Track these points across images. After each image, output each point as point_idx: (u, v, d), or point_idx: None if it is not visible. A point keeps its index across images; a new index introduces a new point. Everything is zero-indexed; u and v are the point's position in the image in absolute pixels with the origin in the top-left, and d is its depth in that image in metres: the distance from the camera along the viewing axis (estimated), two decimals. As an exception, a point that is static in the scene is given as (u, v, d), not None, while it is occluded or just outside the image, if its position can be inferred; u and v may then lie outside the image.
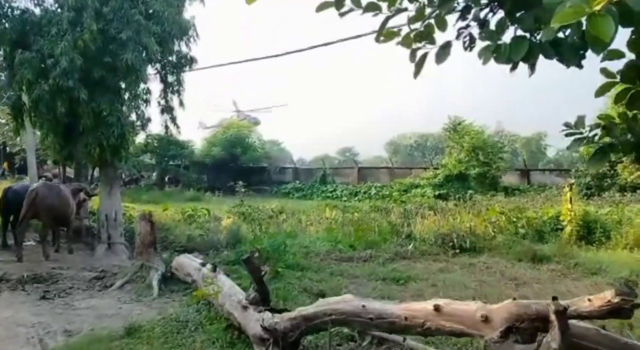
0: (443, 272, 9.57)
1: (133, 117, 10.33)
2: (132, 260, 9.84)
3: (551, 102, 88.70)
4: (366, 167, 41.66)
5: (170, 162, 41.94)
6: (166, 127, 11.48)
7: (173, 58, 11.26)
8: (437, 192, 25.43)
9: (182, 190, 37.00)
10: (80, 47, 9.21)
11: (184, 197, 32.86)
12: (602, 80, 2.62)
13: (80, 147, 10.08)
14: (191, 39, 11.08)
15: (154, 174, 42.86)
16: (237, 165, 41.52)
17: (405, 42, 2.88)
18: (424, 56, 2.90)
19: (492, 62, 2.50)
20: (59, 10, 10.02)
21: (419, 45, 2.88)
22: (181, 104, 11.49)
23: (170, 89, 11.40)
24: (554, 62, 2.47)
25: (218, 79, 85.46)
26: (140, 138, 11.03)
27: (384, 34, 2.85)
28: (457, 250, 11.28)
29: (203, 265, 6.83)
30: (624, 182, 24.67)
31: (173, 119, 11.51)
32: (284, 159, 52.29)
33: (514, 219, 13.14)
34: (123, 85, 10.01)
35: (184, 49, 11.18)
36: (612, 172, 25.85)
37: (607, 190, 25.28)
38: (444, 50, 2.81)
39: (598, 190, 25.63)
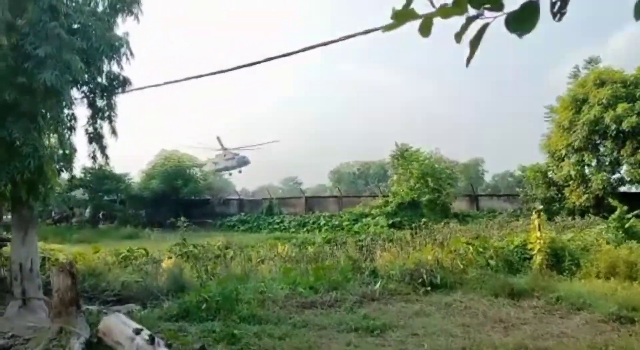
0: (420, 315, 8.47)
1: (54, 145, 8.69)
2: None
3: (486, 128, 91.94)
4: (313, 196, 40.66)
5: (105, 197, 39.30)
6: (93, 157, 9.90)
7: (102, 79, 9.80)
8: (390, 221, 24.59)
9: (117, 228, 34.57)
10: (-13, 65, 7.67)
11: (120, 235, 30.57)
12: None
13: (-14, 183, 8.36)
14: (124, 58, 9.67)
15: (87, 211, 39.97)
16: (178, 199, 39.56)
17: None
18: (484, 27, 1.86)
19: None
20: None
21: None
22: (113, 131, 9.97)
23: (100, 114, 9.89)
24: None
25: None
26: (76, 171, 9.30)
27: None
28: (428, 288, 10.26)
29: (137, 333, 5.35)
30: (571, 205, 24.82)
31: (102, 149, 9.95)
32: (227, 190, 50.57)
33: (481, 250, 12.34)
34: (43, 111, 8.42)
35: (115, 68, 9.76)
36: (559, 196, 26.05)
37: (557, 215, 25.39)
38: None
39: (547, 214, 25.72)
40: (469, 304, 9.23)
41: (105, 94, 9.91)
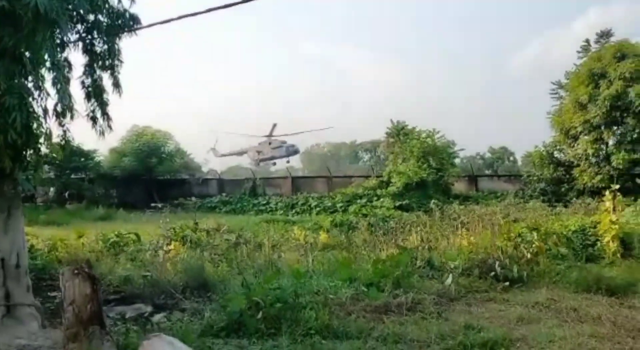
0: (526, 321, 6.66)
1: (45, 98, 6.33)
2: (46, 333, 5.99)
3: (453, 110, 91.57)
4: (300, 176, 38.60)
5: (72, 175, 36.16)
6: (93, 118, 7.57)
7: (103, 16, 7.48)
8: (397, 203, 22.74)
9: (87, 208, 31.56)
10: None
11: (92, 216, 27.85)
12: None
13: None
14: (130, -11, 7.38)
15: (52, 190, 36.76)
16: (152, 178, 36.85)
17: None
18: None
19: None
20: None
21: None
22: (116, 84, 7.69)
23: (99, 62, 7.58)
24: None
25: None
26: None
27: None
28: (506, 283, 8.48)
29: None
30: (582, 186, 23.58)
31: (103, 106, 7.63)
32: (203, 168, 47.93)
33: (543, 236, 10.62)
34: (31, 48, 6.06)
35: (115, 2, 7.46)
36: (567, 176, 24.80)
37: (565, 196, 24.18)
38: None
39: (554, 195, 24.49)
40: (568, 303, 7.48)
41: (105, 36, 7.58)
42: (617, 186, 11.55)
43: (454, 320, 6.56)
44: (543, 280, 8.88)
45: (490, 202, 22.50)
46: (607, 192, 11.02)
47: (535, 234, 10.36)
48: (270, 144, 44.75)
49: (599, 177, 22.48)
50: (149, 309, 8.02)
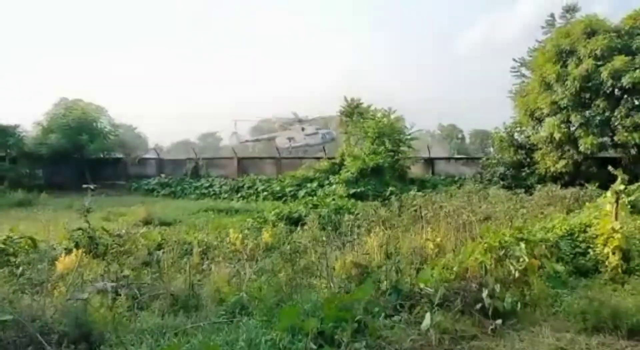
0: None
1: None
2: None
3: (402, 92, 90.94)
4: (247, 157, 35.96)
5: (-10, 154, 32.29)
6: None
7: None
8: (351, 191, 20.61)
9: (7, 191, 27.89)
10: None
11: (9, 202, 24.52)
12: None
13: None
14: None
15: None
16: (84, 157, 33.46)
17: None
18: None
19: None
20: None
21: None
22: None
23: None
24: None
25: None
26: None
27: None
28: (498, 321, 6.51)
29: None
30: (544, 171, 22.26)
31: None
32: (140, 147, 44.48)
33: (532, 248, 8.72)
34: None
35: None
36: (528, 160, 23.47)
37: (525, 181, 22.87)
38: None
39: (515, 180, 23.13)
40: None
41: None
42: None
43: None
44: (540, 312, 6.99)
45: (449, 188, 20.78)
46: (607, 193, 9.17)
47: (523, 245, 8.43)
48: (303, 130, 40.94)
49: (562, 162, 21.19)
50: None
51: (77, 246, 10.73)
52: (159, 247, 11.44)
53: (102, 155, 35.48)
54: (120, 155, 36.00)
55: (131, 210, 20.01)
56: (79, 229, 11.65)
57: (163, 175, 32.62)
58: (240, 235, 11.32)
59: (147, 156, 37.15)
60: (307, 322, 5.63)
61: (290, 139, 41.05)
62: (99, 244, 11.28)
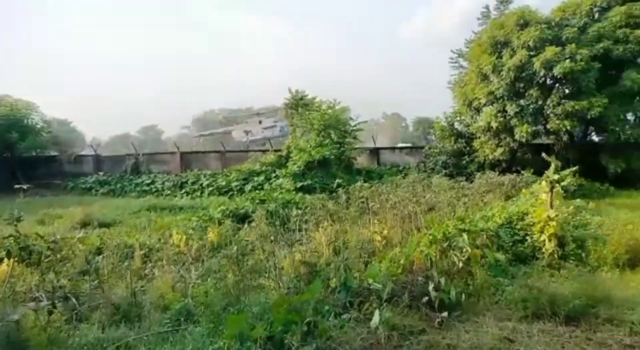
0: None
1: None
2: None
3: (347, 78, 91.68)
4: (190, 151, 35.12)
5: None
6: None
7: None
8: (298, 184, 20.51)
9: None
10: None
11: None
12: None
13: None
14: None
15: None
16: (15, 156, 31.79)
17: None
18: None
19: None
20: None
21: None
22: None
23: None
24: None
25: None
26: None
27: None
28: (444, 314, 6.64)
29: None
30: (482, 159, 23.03)
31: None
32: (76, 143, 42.61)
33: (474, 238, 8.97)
34: None
35: None
36: (468, 148, 24.18)
37: (465, 168, 23.58)
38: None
39: (456, 168, 23.79)
40: (527, 342, 5.81)
41: None
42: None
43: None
44: (483, 302, 7.20)
45: (394, 178, 21.11)
46: (542, 182, 9.56)
47: (465, 236, 8.65)
48: (260, 123, 39.23)
49: (500, 150, 21.97)
50: None
51: (8, 255, 10.12)
52: (99, 251, 10.99)
53: (34, 154, 33.86)
54: (54, 153, 34.39)
55: (68, 212, 19.06)
56: (10, 236, 10.97)
57: (101, 173, 31.44)
58: (185, 236, 11.00)
59: (83, 153, 35.67)
60: (256, 329, 5.59)
61: (247, 132, 39.93)
62: (32, 251, 10.66)
